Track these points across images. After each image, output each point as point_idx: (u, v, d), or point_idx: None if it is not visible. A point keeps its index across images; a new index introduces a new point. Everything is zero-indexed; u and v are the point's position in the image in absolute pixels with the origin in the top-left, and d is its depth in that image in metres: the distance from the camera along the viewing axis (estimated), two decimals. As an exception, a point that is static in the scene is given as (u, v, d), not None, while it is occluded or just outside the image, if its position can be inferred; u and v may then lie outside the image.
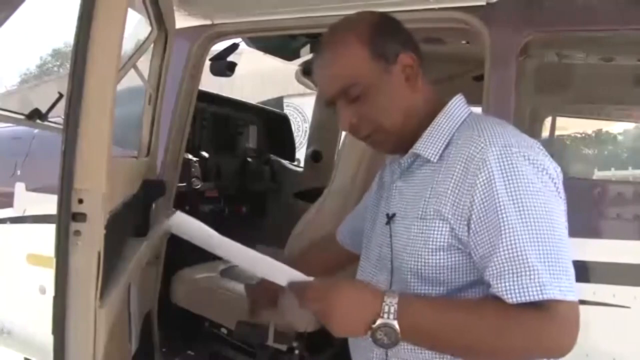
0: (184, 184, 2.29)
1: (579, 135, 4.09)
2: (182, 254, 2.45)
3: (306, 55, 2.65)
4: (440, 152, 0.91)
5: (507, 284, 0.77)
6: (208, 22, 1.89)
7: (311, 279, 0.89)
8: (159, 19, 1.56)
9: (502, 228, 0.79)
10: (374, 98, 0.92)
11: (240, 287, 1.93)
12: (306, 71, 2.96)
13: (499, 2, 1.50)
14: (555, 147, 3.02)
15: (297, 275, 0.91)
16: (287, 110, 6.25)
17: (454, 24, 1.55)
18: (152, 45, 1.62)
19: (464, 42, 2.16)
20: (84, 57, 0.97)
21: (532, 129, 2.47)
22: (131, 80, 1.48)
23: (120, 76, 1.14)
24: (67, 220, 0.98)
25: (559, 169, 0.87)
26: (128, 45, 1.48)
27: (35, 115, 1.70)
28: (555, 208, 0.82)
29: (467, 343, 0.80)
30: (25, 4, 1.29)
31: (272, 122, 3.25)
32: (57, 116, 1.60)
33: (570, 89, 2.24)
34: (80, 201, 0.99)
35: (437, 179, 0.89)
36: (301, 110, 8.31)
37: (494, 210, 0.80)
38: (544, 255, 0.77)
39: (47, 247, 1.10)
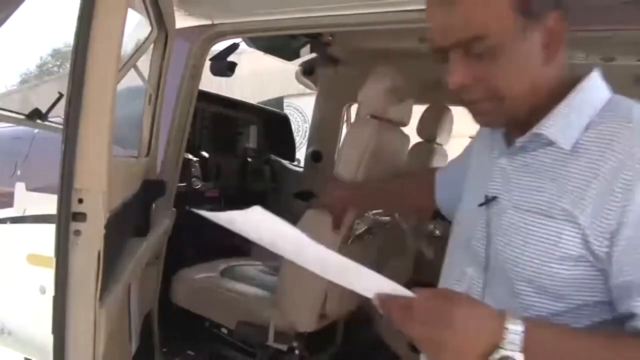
0: (184, 184, 2.29)
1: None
2: (182, 254, 2.45)
3: (306, 55, 2.65)
4: (575, 139, 0.72)
5: None
6: (208, 22, 1.89)
7: (411, 293, 0.66)
8: (159, 19, 1.56)
9: None
10: (502, 59, 0.72)
11: (240, 287, 1.93)
12: (306, 71, 2.96)
13: (499, 2, 1.50)
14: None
15: (394, 288, 0.67)
16: (287, 110, 6.26)
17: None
18: (152, 45, 1.62)
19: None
20: (84, 57, 0.97)
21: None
22: (131, 80, 1.48)
23: (120, 76, 1.14)
24: (67, 220, 0.98)
25: None
26: (128, 45, 1.48)
27: (35, 115, 1.70)
28: None
29: None
30: (25, 4, 1.28)
31: (272, 122, 3.25)
32: (57, 116, 1.60)
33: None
34: (80, 201, 0.99)
35: (569, 172, 0.71)
36: (301, 110, 8.32)
37: None
38: None
39: (47, 247, 1.10)
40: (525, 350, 0.62)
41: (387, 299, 0.67)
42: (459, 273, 0.86)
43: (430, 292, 0.68)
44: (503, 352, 0.62)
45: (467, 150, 1.06)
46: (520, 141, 0.78)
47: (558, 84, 0.76)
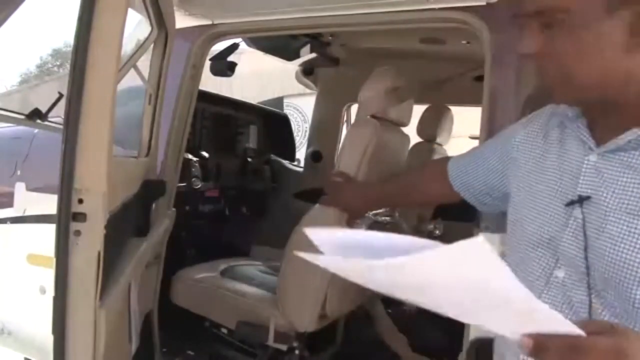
0: (184, 184, 2.29)
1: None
2: (182, 254, 2.45)
3: (306, 55, 2.65)
4: None
5: None
6: (208, 22, 1.89)
7: (579, 330, 0.57)
8: (159, 19, 1.56)
9: None
10: (579, 36, 0.70)
11: (240, 287, 1.93)
12: (306, 71, 2.96)
13: (499, 2, 1.50)
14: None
15: (562, 326, 0.57)
16: (287, 110, 6.26)
17: (454, 24, 1.55)
18: (152, 45, 1.62)
19: (464, 42, 2.16)
20: (84, 57, 0.97)
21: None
22: (131, 80, 1.48)
23: (120, 76, 1.13)
24: (67, 220, 0.98)
25: None
26: (128, 45, 1.48)
27: (35, 115, 1.70)
28: None
29: None
30: (25, 4, 1.28)
31: (272, 122, 3.26)
32: (57, 116, 1.60)
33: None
34: (80, 201, 0.99)
35: None
36: (301, 110, 8.31)
37: None
38: None
39: (47, 247, 1.10)
40: None
41: (546, 338, 0.56)
42: (543, 277, 0.80)
43: (600, 327, 0.59)
44: None
45: (499, 143, 1.02)
46: (622, 139, 0.73)
47: None
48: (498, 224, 1.17)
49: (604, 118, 0.76)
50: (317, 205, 1.68)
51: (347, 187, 1.58)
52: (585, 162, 0.78)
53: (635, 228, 0.70)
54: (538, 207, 0.84)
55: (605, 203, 0.74)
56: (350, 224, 1.65)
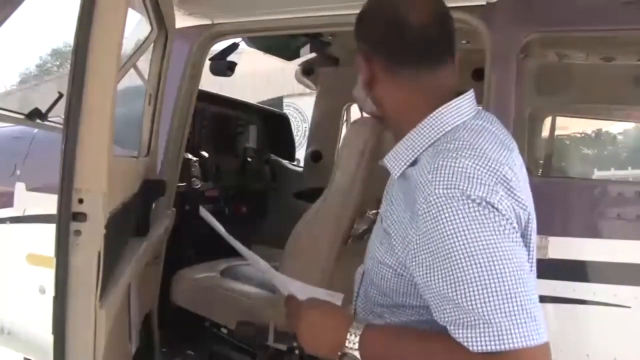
0: (184, 184, 2.29)
1: (579, 135, 4.09)
2: (182, 254, 2.45)
3: (306, 55, 2.65)
4: (402, 170, 0.87)
5: (464, 332, 0.73)
6: (208, 22, 1.89)
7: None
8: (159, 19, 1.56)
9: (450, 279, 0.74)
10: None
11: (240, 287, 1.93)
12: (306, 71, 2.96)
13: (499, 2, 1.50)
14: (556, 147, 3.02)
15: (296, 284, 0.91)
16: (287, 110, 6.26)
17: (454, 24, 1.55)
18: (152, 45, 1.62)
19: (464, 42, 2.16)
20: (84, 57, 0.97)
21: (532, 129, 2.47)
22: (131, 80, 1.48)
23: (120, 76, 1.14)
24: (67, 220, 0.98)
25: (515, 203, 0.78)
26: (128, 45, 1.48)
27: (35, 115, 1.70)
28: (504, 245, 0.74)
29: None
30: (25, 4, 1.29)
31: (272, 122, 3.26)
32: (57, 116, 1.60)
33: (570, 89, 2.24)
34: (80, 201, 0.99)
35: (395, 198, 0.89)
36: (301, 110, 8.32)
37: (440, 258, 0.75)
38: (499, 302, 0.71)
39: (47, 247, 1.10)
40: (361, 348, 0.80)
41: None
42: None
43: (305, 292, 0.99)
44: (345, 350, 0.81)
45: None
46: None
47: (413, 112, 0.88)
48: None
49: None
50: (315, 205, 1.68)
51: None
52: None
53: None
54: None
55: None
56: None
